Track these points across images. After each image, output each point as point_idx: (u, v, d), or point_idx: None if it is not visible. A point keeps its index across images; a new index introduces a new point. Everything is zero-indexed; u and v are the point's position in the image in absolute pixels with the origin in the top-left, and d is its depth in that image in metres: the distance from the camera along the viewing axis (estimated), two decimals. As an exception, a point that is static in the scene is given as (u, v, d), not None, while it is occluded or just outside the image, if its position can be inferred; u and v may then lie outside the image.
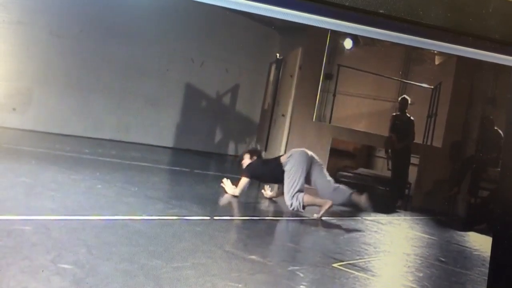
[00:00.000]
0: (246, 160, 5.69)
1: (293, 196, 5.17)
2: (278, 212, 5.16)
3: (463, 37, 1.99)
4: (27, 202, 3.78)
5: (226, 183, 5.34)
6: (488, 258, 4.33)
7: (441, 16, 1.94)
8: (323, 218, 5.22)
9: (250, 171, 5.51)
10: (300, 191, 5.21)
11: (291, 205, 5.15)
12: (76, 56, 7.26)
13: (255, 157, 5.71)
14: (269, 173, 5.49)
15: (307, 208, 5.17)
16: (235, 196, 5.29)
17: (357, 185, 7.66)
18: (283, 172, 5.34)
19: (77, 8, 7.42)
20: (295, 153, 5.50)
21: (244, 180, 5.42)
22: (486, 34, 2.01)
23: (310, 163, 5.47)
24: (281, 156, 5.59)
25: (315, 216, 5.10)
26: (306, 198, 5.18)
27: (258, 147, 6.07)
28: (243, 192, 5.41)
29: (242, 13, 8.05)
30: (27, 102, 6.96)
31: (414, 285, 3.54)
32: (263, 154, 5.95)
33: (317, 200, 5.20)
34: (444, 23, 1.95)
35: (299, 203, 5.14)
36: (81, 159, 6.11)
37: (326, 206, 5.14)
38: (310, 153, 5.59)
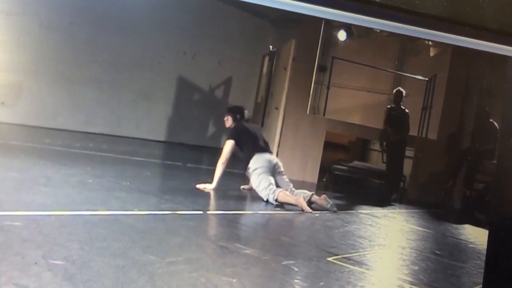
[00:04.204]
0: (229, 121, 5.69)
1: (269, 189, 5.20)
2: (272, 206, 5.14)
3: (459, 27, 1.96)
4: (17, 197, 3.74)
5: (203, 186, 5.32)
6: (484, 251, 4.33)
7: (437, 5, 1.90)
8: (316, 211, 5.21)
9: (235, 134, 5.54)
10: (274, 185, 5.28)
11: (266, 196, 5.20)
12: (67, 49, 7.20)
13: (238, 116, 5.68)
14: (247, 144, 5.51)
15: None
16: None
17: (352, 178, 7.67)
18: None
19: (67, 0, 7.35)
20: (259, 159, 5.47)
21: (229, 143, 5.46)
22: (483, 23, 1.97)
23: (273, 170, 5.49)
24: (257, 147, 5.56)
25: (307, 212, 5.10)
26: (280, 196, 5.18)
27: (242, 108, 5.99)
28: (229, 156, 5.42)
29: (235, 4, 7.99)
30: (17, 95, 6.89)
31: (409, 279, 3.53)
32: (246, 114, 5.87)
33: (290, 199, 5.20)
34: (441, 12, 1.92)
35: (273, 197, 5.16)
36: (72, 153, 6.06)
37: (300, 200, 5.16)
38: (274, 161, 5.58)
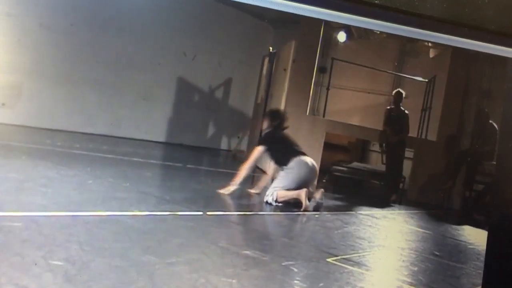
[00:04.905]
0: (265, 125, 5.55)
1: (271, 191, 5.17)
2: (272, 208, 5.14)
3: (459, 28, 1.96)
4: (17, 198, 3.74)
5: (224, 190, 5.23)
6: (483, 252, 4.33)
7: (437, 7, 1.90)
8: (316, 212, 5.21)
9: (266, 141, 5.41)
10: (279, 187, 5.19)
11: (266, 196, 5.17)
12: (67, 50, 7.20)
13: (276, 123, 5.54)
14: (281, 151, 5.41)
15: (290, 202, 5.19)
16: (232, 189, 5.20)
17: (351, 179, 7.67)
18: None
19: (68, 1, 7.36)
20: (303, 163, 5.31)
21: (259, 150, 5.33)
22: (483, 24, 1.97)
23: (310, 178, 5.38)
24: (298, 150, 5.40)
25: (302, 209, 5.08)
26: (280, 193, 5.14)
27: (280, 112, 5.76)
28: (255, 162, 5.35)
29: (235, 6, 8.01)
30: (17, 96, 6.90)
31: (408, 279, 3.52)
32: (286, 122, 5.58)
33: (290, 193, 5.15)
34: (440, 13, 1.92)
35: (273, 198, 5.13)
36: (72, 154, 6.06)
37: (303, 195, 5.11)
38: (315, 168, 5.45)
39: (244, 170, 5.25)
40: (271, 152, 5.41)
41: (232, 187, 5.20)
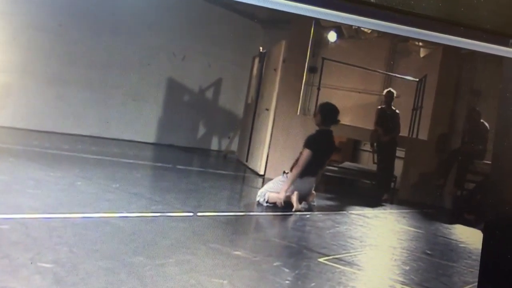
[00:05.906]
0: (317, 120, 5.48)
1: (262, 193, 5.17)
2: (263, 208, 5.14)
3: (454, 27, 1.96)
4: (5, 200, 3.71)
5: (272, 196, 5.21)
6: (475, 250, 4.35)
7: (432, 6, 1.90)
8: (307, 212, 5.21)
9: (315, 145, 5.35)
10: (270, 189, 5.20)
11: (257, 196, 5.17)
12: (55, 50, 7.14)
13: (326, 119, 5.42)
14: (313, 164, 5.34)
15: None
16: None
17: (343, 179, 7.67)
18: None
19: (56, 0, 7.30)
20: (306, 183, 5.29)
21: (308, 155, 5.28)
22: (477, 24, 1.97)
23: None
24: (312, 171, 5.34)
25: (293, 209, 5.09)
26: (272, 195, 5.15)
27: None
28: (306, 165, 5.24)
29: (224, 6, 7.97)
30: (6, 97, 6.83)
31: (400, 279, 3.53)
32: (338, 117, 5.48)
33: (281, 195, 5.16)
34: (436, 12, 1.91)
35: (264, 199, 5.13)
36: (61, 155, 6.02)
37: (294, 198, 5.11)
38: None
39: (294, 177, 5.19)
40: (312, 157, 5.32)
41: (282, 194, 5.15)
